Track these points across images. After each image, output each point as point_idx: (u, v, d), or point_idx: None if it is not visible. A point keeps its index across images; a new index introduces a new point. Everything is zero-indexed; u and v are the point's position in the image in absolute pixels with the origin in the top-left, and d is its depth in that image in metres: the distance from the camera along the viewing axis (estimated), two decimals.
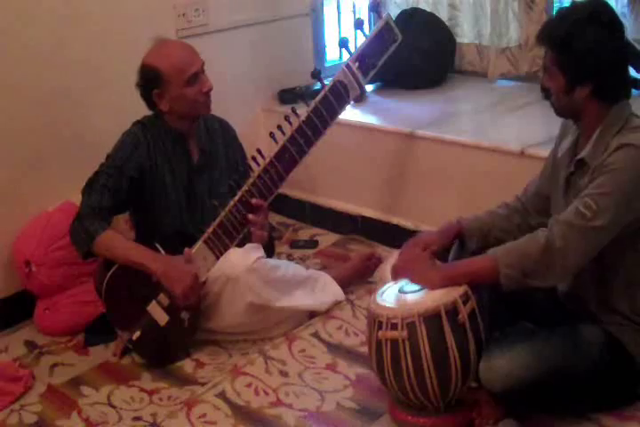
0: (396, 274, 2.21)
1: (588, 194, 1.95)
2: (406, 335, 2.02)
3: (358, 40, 3.19)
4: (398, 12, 3.89)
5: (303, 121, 2.47)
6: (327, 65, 4.00)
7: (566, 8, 2.09)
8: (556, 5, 3.58)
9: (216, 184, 2.74)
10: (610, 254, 2.03)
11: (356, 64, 2.43)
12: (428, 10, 3.90)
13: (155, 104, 2.62)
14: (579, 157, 2.06)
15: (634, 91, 3.20)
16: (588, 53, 1.94)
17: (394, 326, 2.04)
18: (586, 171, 2.03)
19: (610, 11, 2.00)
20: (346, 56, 2.46)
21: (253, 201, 2.54)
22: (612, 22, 1.98)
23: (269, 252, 2.81)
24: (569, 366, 2.01)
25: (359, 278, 2.97)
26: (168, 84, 2.55)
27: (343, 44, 2.44)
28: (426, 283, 2.10)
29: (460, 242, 2.28)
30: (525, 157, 2.84)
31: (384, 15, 2.45)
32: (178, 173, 2.69)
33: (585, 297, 2.15)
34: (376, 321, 2.09)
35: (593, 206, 1.92)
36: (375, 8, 2.63)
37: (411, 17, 3.78)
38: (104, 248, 2.54)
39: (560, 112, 2.10)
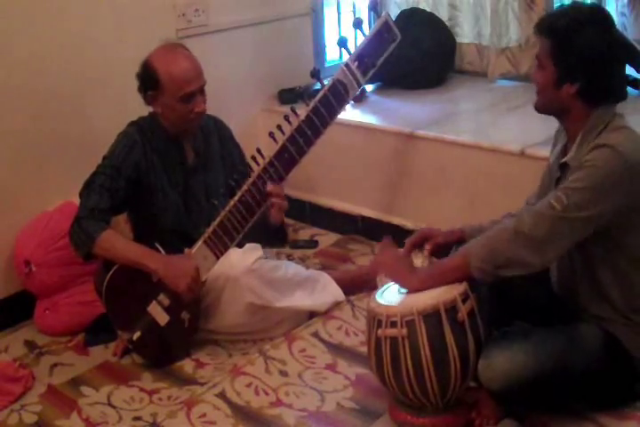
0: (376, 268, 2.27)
1: (562, 188, 1.98)
2: (406, 333, 2.02)
3: (358, 40, 3.18)
4: (398, 11, 3.89)
5: (303, 121, 2.46)
6: (327, 65, 4.00)
7: (568, 5, 2.11)
8: (556, 5, 3.58)
9: (212, 184, 2.73)
10: (594, 247, 2.04)
11: (356, 63, 2.42)
12: (428, 10, 3.90)
13: (148, 102, 2.62)
14: (562, 160, 2.08)
15: (634, 91, 3.24)
16: (585, 49, 1.95)
17: (393, 324, 2.04)
18: (568, 174, 2.05)
19: (609, 16, 2.03)
20: (345, 56, 2.46)
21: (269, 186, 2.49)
22: (611, 26, 2.00)
23: (283, 236, 2.81)
24: (567, 365, 2.01)
25: (359, 288, 2.93)
26: (162, 92, 2.54)
27: (342, 43, 2.43)
28: (405, 286, 2.14)
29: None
30: (525, 157, 2.84)
31: (383, 14, 2.44)
32: (173, 173, 2.68)
33: (576, 288, 2.15)
34: (375, 319, 2.09)
35: (564, 201, 1.94)
36: (374, 7, 2.63)
37: (410, 17, 3.78)
38: (104, 249, 2.52)
39: (542, 107, 2.10)
